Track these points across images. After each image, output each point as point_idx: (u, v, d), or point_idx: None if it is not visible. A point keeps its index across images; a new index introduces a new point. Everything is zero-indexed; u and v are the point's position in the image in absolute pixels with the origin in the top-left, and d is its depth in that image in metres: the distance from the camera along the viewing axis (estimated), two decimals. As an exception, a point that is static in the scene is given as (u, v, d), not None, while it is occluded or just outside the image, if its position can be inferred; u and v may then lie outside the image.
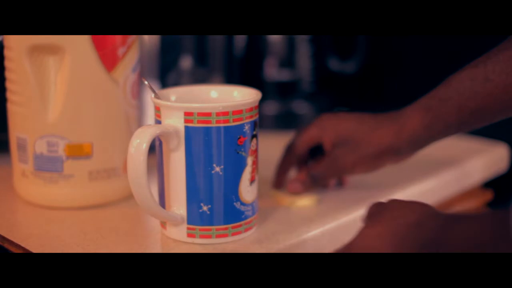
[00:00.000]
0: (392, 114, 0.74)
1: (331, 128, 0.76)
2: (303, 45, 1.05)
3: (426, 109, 0.71)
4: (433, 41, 1.05)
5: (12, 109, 0.74)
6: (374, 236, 0.57)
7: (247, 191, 0.66)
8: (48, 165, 0.72)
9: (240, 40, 1.05)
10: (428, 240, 0.54)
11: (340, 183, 0.80)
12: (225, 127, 0.63)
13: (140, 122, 0.80)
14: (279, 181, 0.79)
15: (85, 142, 0.72)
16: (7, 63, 0.74)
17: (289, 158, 0.79)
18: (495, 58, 0.64)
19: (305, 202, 0.75)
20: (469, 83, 0.67)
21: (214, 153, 0.63)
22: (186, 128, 0.63)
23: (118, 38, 0.72)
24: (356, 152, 0.75)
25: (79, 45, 0.70)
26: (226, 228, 0.65)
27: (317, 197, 0.76)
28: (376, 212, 0.59)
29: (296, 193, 0.76)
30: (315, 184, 0.77)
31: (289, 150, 0.79)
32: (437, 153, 0.89)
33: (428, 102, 0.71)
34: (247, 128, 0.65)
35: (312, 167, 0.77)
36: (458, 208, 0.89)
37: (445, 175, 0.86)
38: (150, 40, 0.94)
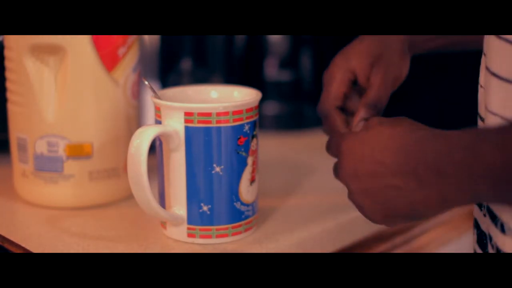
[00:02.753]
0: None
1: (357, 56, 0.70)
2: (303, 45, 1.05)
3: None
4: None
5: (12, 109, 0.74)
6: (388, 135, 0.55)
7: (247, 191, 0.66)
8: (48, 165, 0.72)
9: (240, 40, 1.05)
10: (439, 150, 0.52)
11: None
12: (225, 127, 0.63)
13: (140, 122, 0.80)
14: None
15: (85, 142, 0.72)
16: (7, 63, 0.74)
17: (334, 116, 0.70)
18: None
19: None
20: None
21: (214, 153, 0.63)
22: (186, 128, 0.63)
23: (118, 38, 0.72)
24: (393, 54, 0.69)
25: (79, 45, 0.70)
26: (226, 228, 0.65)
27: None
28: (398, 118, 0.58)
29: None
30: (373, 112, 0.68)
31: (327, 114, 0.70)
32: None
33: None
34: (247, 128, 0.65)
35: (366, 97, 0.68)
36: (461, 208, 0.89)
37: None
38: (150, 40, 0.94)
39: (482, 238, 0.60)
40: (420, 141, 0.54)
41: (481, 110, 0.59)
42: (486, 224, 0.59)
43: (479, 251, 0.61)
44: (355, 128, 0.67)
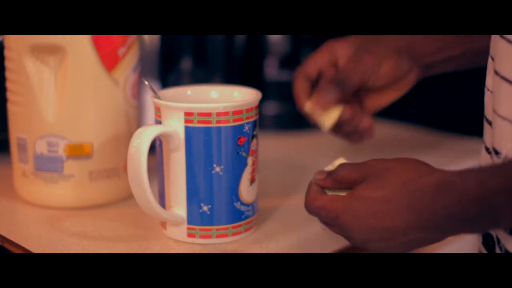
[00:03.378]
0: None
1: (342, 43, 0.71)
2: (303, 45, 1.05)
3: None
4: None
5: (12, 109, 0.74)
6: (384, 200, 0.54)
7: (247, 191, 0.66)
8: (48, 165, 0.72)
9: (240, 40, 1.05)
10: (452, 204, 0.51)
11: (366, 134, 0.73)
12: (225, 127, 0.63)
13: (140, 122, 0.80)
14: (302, 104, 0.71)
15: (85, 142, 0.72)
16: (7, 63, 0.74)
17: (301, 81, 0.71)
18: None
19: (333, 115, 0.71)
20: None
21: (214, 153, 0.63)
22: (186, 128, 0.63)
23: (118, 38, 0.72)
24: (378, 49, 0.69)
25: (79, 45, 0.70)
26: (226, 228, 0.65)
27: (341, 107, 0.71)
28: (376, 174, 0.56)
29: (325, 104, 0.69)
30: (341, 91, 0.68)
31: (298, 75, 0.71)
32: (438, 152, 0.89)
33: None
34: (247, 128, 0.65)
35: (335, 73, 0.69)
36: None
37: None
38: (150, 40, 0.94)
39: (488, 240, 0.60)
40: (420, 197, 0.53)
41: (488, 113, 0.59)
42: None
43: (484, 252, 0.61)
44: (314, 99, 0.68)
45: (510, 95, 0.55)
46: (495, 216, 0.50)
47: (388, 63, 0.69)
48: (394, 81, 0.70)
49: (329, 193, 0.60)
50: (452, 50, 0.70)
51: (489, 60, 0.59)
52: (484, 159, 0.60)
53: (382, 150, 0.92)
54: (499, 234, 0.58)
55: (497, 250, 0.59)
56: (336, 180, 0.59)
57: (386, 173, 0.55)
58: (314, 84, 0.71)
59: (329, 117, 0.70)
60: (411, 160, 0.56)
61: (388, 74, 0.69)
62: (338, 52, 0.71)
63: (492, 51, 0.59)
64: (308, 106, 0.70)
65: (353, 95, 0.71)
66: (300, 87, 0.70)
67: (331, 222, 0.58)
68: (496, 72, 0.56)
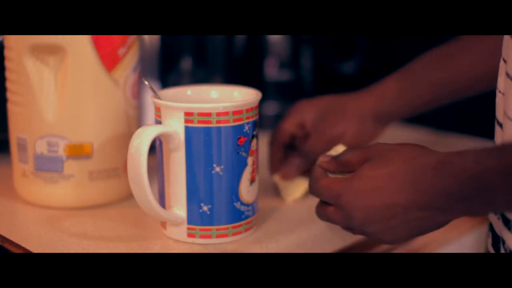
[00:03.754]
0: (368, 88, 0.76)
1: (310, 107, 0.76)
2: (303, 45, 1.05)
3: (399, 79, 0.74)
4: (433, 41, 1.04)
5: (12, 109, 0.74)
6: (387, 176, 0.55)
7: (247, 191, 0.66)
8: (48, 165, 0.72)
9: (240, 40, 1.05)
10: (451, 181, 0.52)
11: None
12: (225, 127, 0.63)
13: (140, 122, 0.80)
14: (275, 171, 0.78)
15: (85, 142, 0.72)
16: (7, 63, 0.74)
17: (275, 150, 0.77)
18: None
19: (299, 188, 0.76)
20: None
21: (214, 153, 0.63)
22: (186, 128, 0.63)
23: (118, 38, 0.72)
24: (341, 118, 0.74)
25: (79, 45, 0.70)
26: (226, 228, 0.65)
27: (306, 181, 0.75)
28: (380, 154, 0.57)
29: (290, 177, 0.76)
30: (307, 162, 0.75)
31: (273, 142, 0.78)
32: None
33: (400, 74, 0.74)
34: (247, 128, 0.65)
35: (301, 144, 0.75)
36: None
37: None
38: (150, 40, 0.94)
39: (497, 241, 0.60)
40: (421, 174, 0.54)
41: (499, 115, 0.59)
42: (499, 228, 0.59)
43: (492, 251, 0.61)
44: (282, 172, 0.76)
45: None
46: (491, 195, 0.51)
47: (349, 133, 0.74)
48: (359, 143, 0.74)
49: (332, 175, 0.61)
50: (421, 100, 0.75)
51: (501, 62, 0.59)
52: None
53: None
54: (504, 235, 0.58)
55: (502, 251, 0.59)
56: (341, 163, 0.60)
57: (390, 153, 0.57)
58: (289, 147, 0.78)
59: (294, 190, 0.77)
60: (414, 144, 0.58)
61: (351, 141, 0.73)
62: (305, 117, 0.76)
63: (504, 53, 0.59)
64: (275, 178, 0.77)
65: None
66: (274, 156, 0.78)
67: (332, 202, 0.59)
68: (507, 75, 0.57)
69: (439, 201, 0.53)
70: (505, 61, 0.58)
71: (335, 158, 0.61)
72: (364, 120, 0.74)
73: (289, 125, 0.76)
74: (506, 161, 0.50)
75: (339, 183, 0.58)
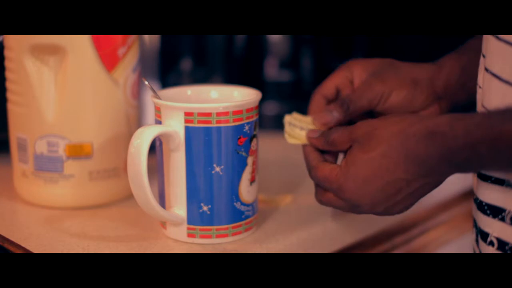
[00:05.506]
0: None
1: (361, 65, 0.70)
2: (303, 45, 1.05)
3: (458, 56, 0.68)
4: (433, 41, 1.04)
5: (12, 109, 0.74)
6: (381, 156, 0.56)
7: (247, 191, 0.66)
8: (48, 165, 0.72)
9: (240, 40, 1.05)
10: (444, 150, 0.53)
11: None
12: (225, 127, 0.63)
13: (140, 122, 0.80)
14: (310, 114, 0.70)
15: (85, 142, 0.72)
16: (7, 63, 0.74)
17: (316, 98, 0.70)
18: None
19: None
20: None
21: (214, 153, 0.63)
22: (186, 128, 0.63)
23: (118, 38, 0.72)
24: (394, 77, 0.68)
25: (79, 45, 0.70)
26: (226, 228, 0.65)
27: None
28: (367, 134, 0.57)
29: (325, 123, 0.67)
30: (345, 113, 0.67)
31: (316, 91, 0.71)
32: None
33: (459, 53, 0.69)
34: (247, 128, 0.65)
35: (345, 94, 0.69)
36: (461, 207, 0.89)
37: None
38: (150, 40, 0.94)
39: (481, 235, 0.60)
40: (413, 145, 0.55)
41: (480, 110, 0.60)
42: (484, 221, 0.59)
43: (477, 249, 0.61)
44: (317, 115, 0.68)
45: (500, 92, 0.55)
46: (481, 163, 0.53)
47: (399, 93, 0.68)
48: (408, 111, 0.69)
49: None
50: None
51: (481, 58, 0.60)
52: None
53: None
54: (488, 227, 0.58)
55: (488, 247, 0.59)
56: (328, 142, 0.61)
57: (377, 131, 0.57)
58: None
59: (299, 135, 0.70)
60: (397, 115, 0.58)
61: (399, 104, 0.68)
62: (355, 72, 0.70)
63: (483, 49, 0.59)
64: (287, 118, 0.70)
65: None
66: (314, 104, 0.70)
67: (335, 194, 0.60)
68: (486, 69, 0.57)
69: (436, 167, 0.54)
70: (484, 56, 0.58)
71: (324, 135, 0.62)
72: (418, 85, 0.68)
73: (336, 78, 0.70)
74: (494, 133, 0.51)
75: (336, 173, 0.59)
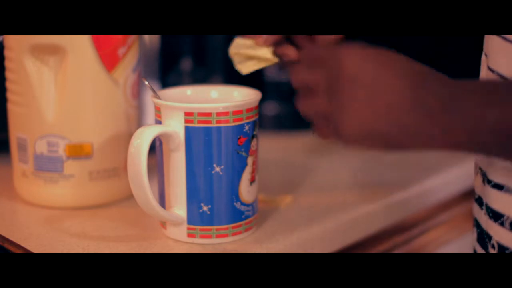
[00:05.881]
0: None
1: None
2: (303, 45, 1.04)
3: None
4: (433, 41, 1.04)
5: (12, 109, 0.74)
6: (364, 56, 0.54)
7: (247, 191, 0.66)
8: (48, 165, 0.72)
9: (240, 40, 1.04)
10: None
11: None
12: (225, 127, 0.63)
13: (140, 122, 0.80)
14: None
15: (85, 142, 0.72)
16: (7, 63, 0.74)
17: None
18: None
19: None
20: None
21: (214, 153, 0.63)
22: (186, 128, 0.63)
23: (118, 38, 0.72)
24: None
25: (79, 45, 0.70)
26: (226, 228, 0.65)
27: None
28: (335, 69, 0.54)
29: (267, 39, 0.64)
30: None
31: None
32: (438, 153, 0.89)
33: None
34: (247, 128, 0.65)
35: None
36: (461, 207, 0.89)
37: (448, 174, 0.86)
38: (150, 40, 0.94)
39: (483, 236, 0.60)
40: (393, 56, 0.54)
41: None
42: (486, 223, 0.59)
43: (479, 249, 0.61)
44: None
45: None
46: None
47: None
48: None
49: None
50: None
51: (483, 56, 0.59)
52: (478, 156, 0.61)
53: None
54: (490, 230, 0.58)
55: (489, 248, 0.59)
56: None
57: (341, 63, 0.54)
58: None
59: (252, 64, 0.68)
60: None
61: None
62: None
63: (485, 47, 0.59)
64: (232, 50, 0.67)
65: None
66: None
67: (325, 73, 0.56)
68: (490, 69, 0.57)
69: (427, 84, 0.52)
70: (486, 55, 0.58)
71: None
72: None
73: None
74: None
75: (334, 47, 0.56)
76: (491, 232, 0.58)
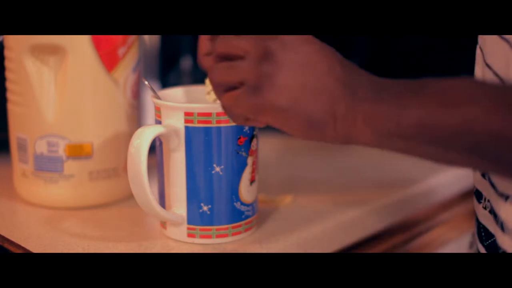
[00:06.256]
0: None
1: None
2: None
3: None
4: (433, 41, 1.05)
5: (12, 109, 0.74)
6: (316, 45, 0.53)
7: (247, 191, 0.66)
8: (48, 165, 0.72)
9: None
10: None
11: None
12: (225, 127, 0.63)
13: (140, 122, 0.81)
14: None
15: (85, 142, 0.72)
16: (7, 63, 0.74)
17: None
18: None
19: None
20: None
21: (214, 153, 0.63)
22: (186, 128, 0.63)
23: (118, 38, 0.72)
24: None
25: (79, 45, 0.70)
26: (226, 228, 0.65)
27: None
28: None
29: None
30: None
31: None
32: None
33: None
34: (247, 128, 0.65)
35: None
36: (461, 207, 0.89)
37: (448, 174, 0.86)
38: (150, 40, 0.94)
39: (481, 230, 0.60)
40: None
41: None
42: (487, 220, 0.59)
43: (477, 243, 0.61)
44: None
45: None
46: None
47: None
48: None
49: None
50: None
51: (478, 50, 0.59)
52: None
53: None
54: (490, 228, 0.58)
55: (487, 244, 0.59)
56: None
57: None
58: None
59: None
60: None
61: None
62: None
63: (480, 41, 0.59)
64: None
65: None
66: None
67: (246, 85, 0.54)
68: (486, 64, 0.57)
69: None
70: (481, 50, 0.58)
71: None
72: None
73: None
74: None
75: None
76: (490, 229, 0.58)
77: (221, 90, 0.56)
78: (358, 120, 0.51)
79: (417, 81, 0.51)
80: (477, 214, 0.61)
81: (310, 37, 0.55)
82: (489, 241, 0.59)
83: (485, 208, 0.60)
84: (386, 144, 0.52)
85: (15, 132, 0.74)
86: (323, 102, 0.52)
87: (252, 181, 0.66)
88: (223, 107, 0.56)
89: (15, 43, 0.71)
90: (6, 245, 0.66)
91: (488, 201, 0.59)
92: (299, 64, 0.52)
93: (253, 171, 0.66)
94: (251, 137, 0.65)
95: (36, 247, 0.65)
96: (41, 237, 0.67)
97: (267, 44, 0.53)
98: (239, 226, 0.66)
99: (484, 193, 0.60)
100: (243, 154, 0.65)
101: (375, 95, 0.51)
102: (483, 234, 0.60)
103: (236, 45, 0.54)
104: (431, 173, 0.85)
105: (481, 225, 0.60)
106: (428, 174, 0.85)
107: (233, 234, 0.66)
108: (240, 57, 0.54)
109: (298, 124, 0.53)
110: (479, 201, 0.61)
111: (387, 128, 0.50)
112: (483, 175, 0.60)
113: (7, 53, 0.74)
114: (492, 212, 0.58)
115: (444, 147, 0.49)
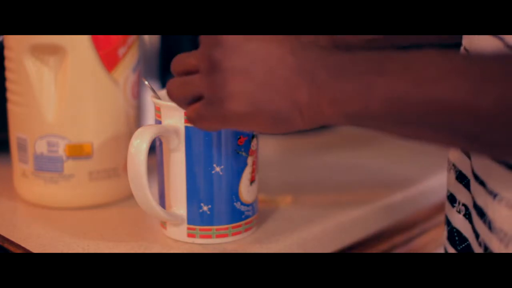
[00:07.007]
0: None
1: None
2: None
3: None
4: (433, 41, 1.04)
5: (12, 109, 0.74)
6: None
7: (247, 191, 0.66)
8: (48, 165, 0.72)
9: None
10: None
11: None
12: (225, 127, 0.63)
13: (140, 122, 0.81)
14: None
15: (85, 142, 0.72)
16: (7, 63, 0.74)
17: None
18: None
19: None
20: None
21: (214, 153, 0.63)
22: (186, 128, 0.63)
23: (118, 38, 0.72)
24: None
25: (79, 45, 0.70)
26: (226, 228, 0.65)
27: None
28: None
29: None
30: None
31: None
32: (438, 153, 0.89)
33: None
34: (247, 128, 0.65)
35: None
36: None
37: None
38: (150, 40, 0.94)
39: (454, 235, 0.60)
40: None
41: None
42: (461, 224, 0.59)
43: (449, 248, 0.61)
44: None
45: None
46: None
47: None
48: None
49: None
50: None
51: (462, 51, 0.59)
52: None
53: (378, 147, 0.92)
54: (479, 229, 0.58)
55: (475, 246, 0.58)
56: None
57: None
58: None
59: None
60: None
61: None
62: None
63: (465, 41, 0.59)
64: None
65: None
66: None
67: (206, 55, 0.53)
68: None
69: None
70: (466, 50, 0.58)
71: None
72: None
73: None
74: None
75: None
76: (479, 231, 0.58)
77: (183, 104, 0.56)
78: (323, 105, 0.50)
79: (380, 55, 0.49)
80: (450, 218, 0.61)
81: (251, 35, 0.53)
82: (463, 245, 0.59)
83: (459, 212, 0.59)
84: (356, 123, 0.50)
85: (15, 132, 0.74)
86: (282, 96, 0.51)
87: (252, 181, 0.66)
88: (190, 120, 0.56)
89: (15, 43, 0.71)
90: (6, 245, 0.66)
91: (463, 205, 0.59)
92: (247, 66, 0.51)
93: (253, 171, 0.66)
94: (251, 137, 0.65)
95: (36, 247, 0.65)
96: (41, 237, 0.67)
97: (211, 54, 0.52)
98: (239, 226, 0.66)
99: (458, 197, 0.60)
100: (243, 154, 0.65)
101: (337, 76, 0.49)
102: (457, 238, 0.60)
103: (187, 62, 0.55)
104: (431, 173, 0.85)
105: (454, 229, 0.60)
106: (428, 174, 0.85)
107: (233, 234, 0.66)
108: (195, 72, 0.54)
109: (265, 123, 0.52)
110: (452, 205, 0.61)
111: (354, 109, 0.49)
112: (475, 176, 0.59)
113: (7, 53, 0.74)
114: (467, 216, 0.58)
115: (415, 125, 0.48)
